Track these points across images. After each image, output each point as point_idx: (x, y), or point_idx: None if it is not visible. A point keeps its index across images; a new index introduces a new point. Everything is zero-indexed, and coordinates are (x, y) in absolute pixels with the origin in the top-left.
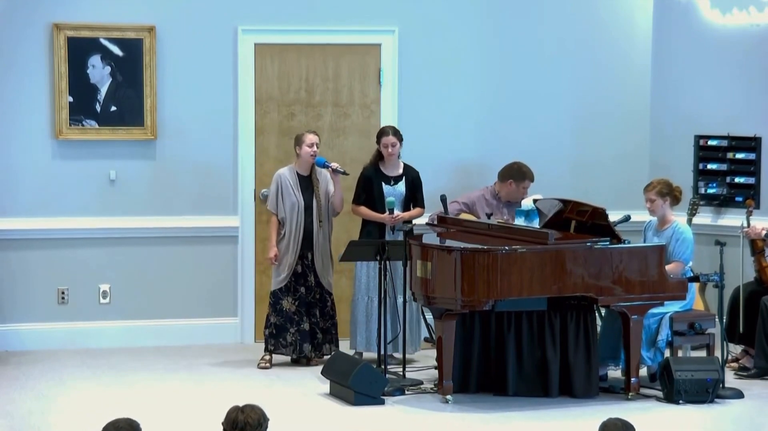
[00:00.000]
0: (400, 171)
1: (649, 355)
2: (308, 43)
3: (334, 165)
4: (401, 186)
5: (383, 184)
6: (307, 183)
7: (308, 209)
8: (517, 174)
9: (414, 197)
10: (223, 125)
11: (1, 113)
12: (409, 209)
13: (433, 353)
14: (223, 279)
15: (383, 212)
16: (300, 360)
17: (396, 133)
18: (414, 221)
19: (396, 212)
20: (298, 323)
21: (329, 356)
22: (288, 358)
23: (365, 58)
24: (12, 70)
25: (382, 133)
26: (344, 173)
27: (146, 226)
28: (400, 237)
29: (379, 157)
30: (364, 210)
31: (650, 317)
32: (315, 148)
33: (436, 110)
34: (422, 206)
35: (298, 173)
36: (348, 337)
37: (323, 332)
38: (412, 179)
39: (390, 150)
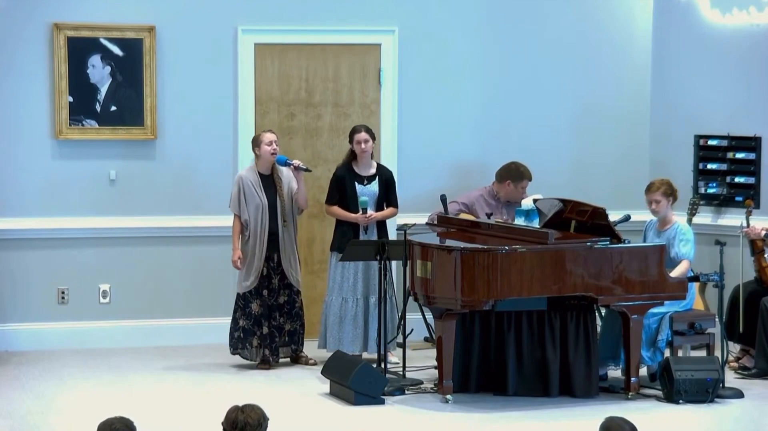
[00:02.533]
0: (373, 171)
1: (649, 355)
2: (308, 43)
3: (296, 162)
4: (374, 186)
5: (356, 183)
6: (269, 183)
7: (272, 208)
8: (515, 174)
9: (388, 196)
10: (223, 125)
11: (1, 112)
12: (383, 209)
13: (433, 353)
14: (223, 279)
15: (356, 211)
16: (262, 365)
17: (368, 130)
18: (413, 222)
19: (369, 211)
20: (261, 326)
21: (286, 358)
22: (287, 358)
23: (365, 58)
24: (12, 70)
25: (355, 130)
26: (307, 170)
27: (146, 226)
28: (374, 237)
29: (351, 156)
30: (338, 210)
31: (650, 316)
32: (274, 146)
33: (436, 109)
34: (396, 206)
35: (259, 173)
36: (316, 337)
37: (289, 334)
38: (386, 178)
39: (363, 146)
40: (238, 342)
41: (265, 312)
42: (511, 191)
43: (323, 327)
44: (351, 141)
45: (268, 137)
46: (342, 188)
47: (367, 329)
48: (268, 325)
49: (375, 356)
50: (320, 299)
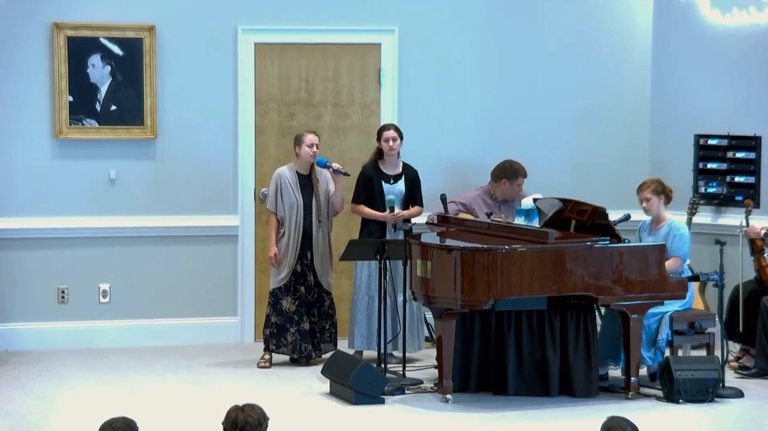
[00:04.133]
0: (400, 170)
1: (649, 354)
2: (308, 43)
3: (336, 166)
4: (401, 185)
5: (383, 182)
6: (307, 182)
7: (307, 208)
8: (509, 172)
9: (413, 195)
10: (223, 125)
11: (1, 112)
12: (408, 208)
13: (433, 352)
14: (223, 279)
15: (383, 210)
16: (300, 360)
17: (397, 129)
18: (413, 221)
19: (397, 209)
20: (298, 322)
21: (328, 355)
22: (287, 357)
23: (365, 58)
24: (12, 70)
25: (384, 128)
26: (345, 174)
27: (146, 226)
28: (401, 236)
29: (378, 155)
30: (365, 209)
31: (650, 316)
32: (315, 148)
33: (436, 109)
34: (421, 204)
35: (297, 173)
36: (347, 336)
37: (321, 331)
38: (412, 177)
39: (391, 144)
40: (271, 338)
41: (302, 309)
42: (507, 190)
43: (351, 325)
44: (379, 139)
45: (310, 138)
46: (369, 187)
47: (395, 327)
48: (308, 321)
49: (401, 354)
50: (344, 298)
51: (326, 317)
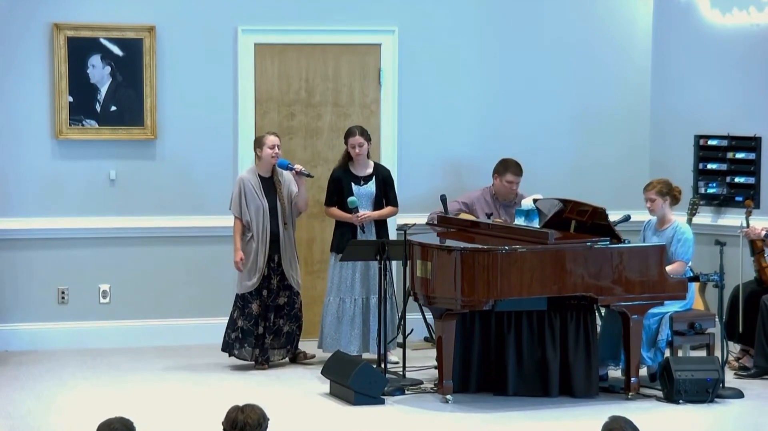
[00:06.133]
0: (370, 171)
1: (649, 355)
2: (308, 43)
3: (298, 167)
4: (371, 186)
5: (353, 184)
6: (270, 185)
7: (273, 211)
8: (499, 167)
9: (386, 195)
10: (223, 125)
11: (1, 112)
12: (381, 208)
13: (433, 353)
14: (223, 279)
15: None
16: (258, 366)
17: (363, 132)
18: (413, 222)
19: (362, 211)
20: (259, 326)
21: (283, 359)
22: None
23: (365, 58)
24: (12, 70)
25: (349, 133)
26: (309, 176)
27: (146, 226)
28: (372, 237)
29: (348, 157)
30: (335, 211)
31: (650, 317)
32: (276, 149)
33: (436, 109)
34: (395, 204)
35: (260, 176)
36: (315, 337)
37: (287, 335)
38: (383, 177)
39: (357, 150)
40: (235, 343)
41: (263, 313)
42: (498, 186)
43: (321, 326)
44: (346, 143)
45: (271, 140)
46: (339, 189)
47: (368, 329)
48: (263, 326)
49: (375, 356)
50: (320, 300)
51: (295, 320)
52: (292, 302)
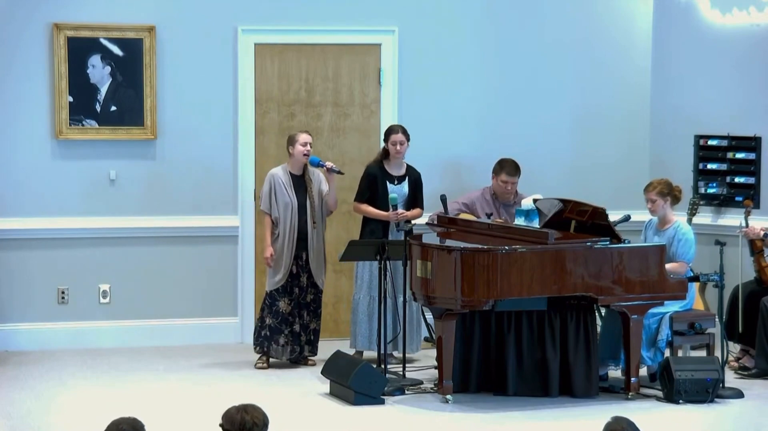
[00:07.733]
0: (404, 171)
1: (649, 355)
2: (308, 43)
3: (329, 164)
4: (405, 186)
5: (387, 182)
6: (300, 183)
7: (302, 208)
8: (496, 167)
9: (415, 197)
10: (223, 125)
11: (1, 112)
12: (409, 209)
13: (433, 353)
14: (223, 279)
15: (386, 210)
16: (293, 362)
17: (405, 132)
18: (414, 221)
19: (399, 209)
20: (291, 324)
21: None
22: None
23: (365, 58)
24: (12, 70)
25: (391, 131)
26: (339, 173)
27: (146, 226)
28: (401, 236)
29: (384, 155)
30: (367, 208)
31: (650, 316)
32: (308, 147)
33: (436, 109)
34: (422, 207)
35: (291, 173)
36: (347, 336)
37: (314, 332)
38: (415, 179)
39: (398, 148)
40: (264, 341)
41: (295, 310)
42: (495, 186)
43: (353, 325)
44: (386, 140)
45: (303, 137)
46: (374, 186)
47: (395, 328)
48: (299, 323)
49: (401, 355)
50: (345, 298)
51: (316, 318)
52: (317, 300)
